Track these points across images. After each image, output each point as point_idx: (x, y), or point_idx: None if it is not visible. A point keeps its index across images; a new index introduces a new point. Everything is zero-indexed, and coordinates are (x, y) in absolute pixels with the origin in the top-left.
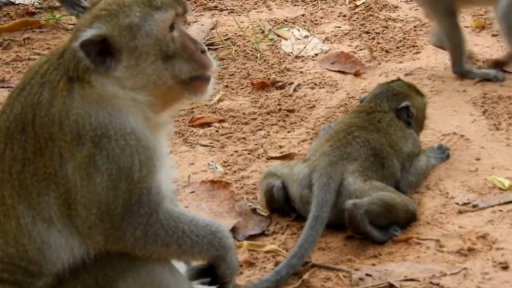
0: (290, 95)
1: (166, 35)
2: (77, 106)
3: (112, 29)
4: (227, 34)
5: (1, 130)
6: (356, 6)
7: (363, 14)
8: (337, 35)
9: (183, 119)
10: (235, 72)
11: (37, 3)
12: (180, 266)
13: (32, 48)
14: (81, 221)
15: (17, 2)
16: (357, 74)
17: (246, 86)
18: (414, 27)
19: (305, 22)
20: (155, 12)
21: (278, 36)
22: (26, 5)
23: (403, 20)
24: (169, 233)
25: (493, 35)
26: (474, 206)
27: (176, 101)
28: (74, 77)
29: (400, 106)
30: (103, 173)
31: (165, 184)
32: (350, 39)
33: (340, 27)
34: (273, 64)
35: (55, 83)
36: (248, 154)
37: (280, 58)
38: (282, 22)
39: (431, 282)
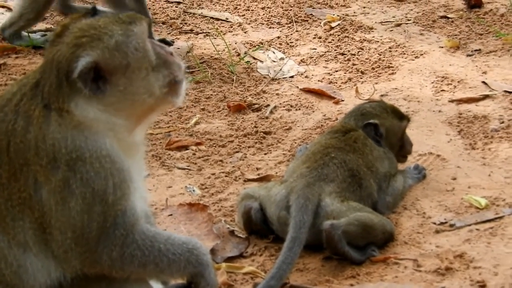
0: (267, 117)
1: (148, 45)
2: (54, 131)
3: (101, 53)
4: (203, 57)
5: None
6: (331, 28)
7: (338, 35)
8: (312, 57)
9: (160, 143)
10: (211, 95)
11: None
12: (157, 287)
13: (9, 74)
14: (57, 245)
15: None
16: (337, 102)
17: (223, 109)
18: (389, 48)
19: (280, 44)
20: (133, 27)
21: (254, 58)
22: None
23: (378, 41)
24: (146, 253)
25: (468, 55)
26: (451, 225)
27: (154, 111)
28: (53, 107)
29: (364, 123)
30: (78, 197)
31: (140, 205)
32: (325, 60)
33: (315, 49)
34: (249, 86)
35: (30, 112)
36: (226, 176)
37: (256, 81)
38: (258, 45)
39: None
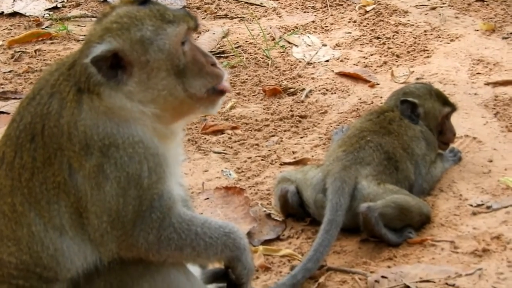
0: (302, 101)
1: (178, 49)
2: (85, 117)
3: (123, 43)
4: (238, 42)
5: (11, 139)
6: (366, 12)
7: (373, 19)
8: (347, 41)
9: (196, 127)
10: (246, 79)
11: (47, 15)
12: (195, 270)
13: (44, 60)
14: (93, 229)
15: (27, 14)
16: (372, 86)
17: (258, 93)
18: (425, 31)
19: (315, 28)
20: (168, 26)
21: (289, 43)
22: (37, 17)
23: (413, 25)
24: (182, 236)
25: (504, 38)
26: (488, 207)
27: (187, 114)
28: (84, 89)
29: (401, 99)
30: (112, 181)
31: (176, 189)
32: (360, 44)
33: (350, 32)
34: (284, 70)
35: (64, 93)
36: (262, 160)
37: (291, 65)
38: (293, 29)
39: (446, 283)
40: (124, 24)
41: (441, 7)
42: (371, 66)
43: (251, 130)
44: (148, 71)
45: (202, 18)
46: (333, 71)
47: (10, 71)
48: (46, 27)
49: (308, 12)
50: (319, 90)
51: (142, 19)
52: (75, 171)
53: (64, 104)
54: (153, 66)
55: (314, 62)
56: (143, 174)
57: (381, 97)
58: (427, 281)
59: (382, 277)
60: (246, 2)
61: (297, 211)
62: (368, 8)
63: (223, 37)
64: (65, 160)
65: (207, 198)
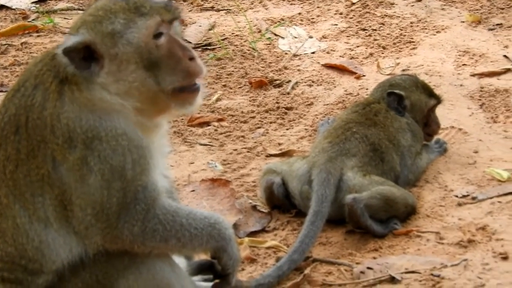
0: (288, 93)
1: (149, 42)
2: (67, 110)
3: (95, 35)
4: (224, 34)
5: None
6: (353, 4)
7: (359, 11)
8: (334, 33)
9: (182, 119)
10: (233, 71)
11: (34, 8)
12: (181, 262)
13: (30, 52)
14: (78, 222)
15: (13, 7)
16: (358, 78)
17: (244, 85)
18: (411, 23)
19: (302, 20)
20: (139, 19)
21: (275, 35)
22: (23, 10)
23: (399, 17)
24: (167, 227)
25: (489, 30)
26: (473, 198)
27: (165, 111)
28: (64, 80)
29: (387, 91)
30: (96, 174)
31: (161, 181)
32: (347, 36)
33: (337, 24)
34: (270, 62)
35: (47, 84)
36: (247, 152)
37: (278, 57)
38: (279, 21)
39: (432, 274)
40: (98, 17)
41: None
42: (357, 58)
43: (237, 122)
44: (118, 64)
45: (189, 11)
46: (319, 63)
47: None
48: (33, 20)
49: (294, 4)
50: (305, 82)
51: (116, 13)
52: (59, 164)
53: (47, 95)
54: (122, 59)
55: (300, 54)
56: (126, 166)
57: (367, 89)
58: (413, 272)
59: (368, 268)
60: None
61: (282, 202)
62: (354, 0)
63: (210, 30)
64: (49, 152)
65: (193, 190)
